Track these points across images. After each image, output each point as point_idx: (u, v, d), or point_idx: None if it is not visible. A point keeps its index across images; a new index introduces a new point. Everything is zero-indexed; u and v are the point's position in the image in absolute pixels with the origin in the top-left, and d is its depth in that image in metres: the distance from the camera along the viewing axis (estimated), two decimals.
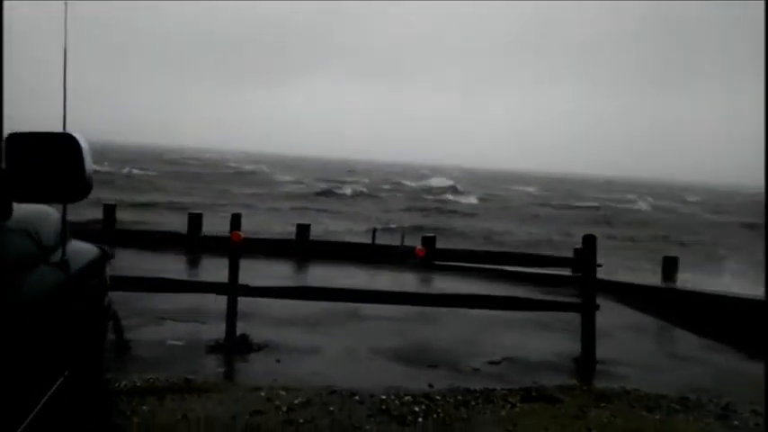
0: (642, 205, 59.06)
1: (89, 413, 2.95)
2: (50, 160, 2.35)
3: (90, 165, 2.41)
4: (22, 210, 2.71)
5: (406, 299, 7.74)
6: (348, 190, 52.58)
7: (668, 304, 10.42)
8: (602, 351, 7.49)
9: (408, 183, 69.15)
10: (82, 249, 3.34)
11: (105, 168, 48.71)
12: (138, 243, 13.35)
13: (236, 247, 6.87)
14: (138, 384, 5.44)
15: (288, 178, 64.17)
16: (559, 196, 66.10)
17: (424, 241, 12.52)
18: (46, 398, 2.34)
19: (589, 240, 7.08)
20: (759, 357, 7.73)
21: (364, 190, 54.66)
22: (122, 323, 6.61)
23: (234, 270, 6.86)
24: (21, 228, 2.54)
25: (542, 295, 10.14)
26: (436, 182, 70.59)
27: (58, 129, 2.60)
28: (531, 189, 76.00)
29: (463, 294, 8.08)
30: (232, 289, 6.81)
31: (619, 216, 46.62)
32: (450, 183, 68.52)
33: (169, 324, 7.56)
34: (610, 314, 10.00)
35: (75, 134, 2.38)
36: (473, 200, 52.77)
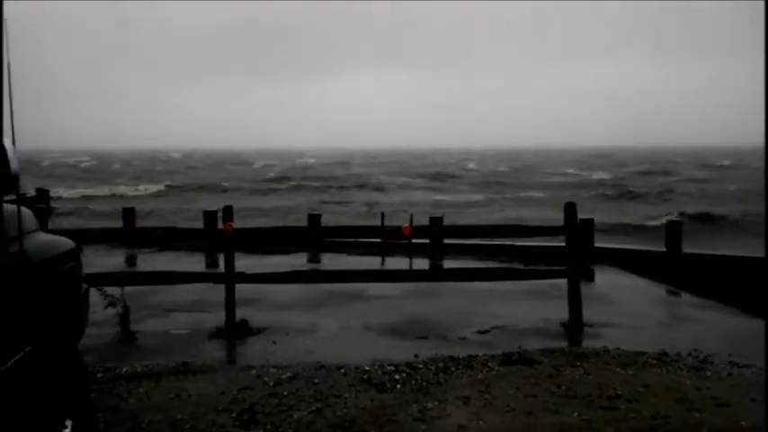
0: None
1: (58, 385, 3.29)
2: None
3: (15, 164, 2.77)
4: None
5: (398, 276, 8.02)
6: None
7: (670, 268, 10.53)
8: (595, 315, 7.71)
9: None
10: (51, 242, 3.69)
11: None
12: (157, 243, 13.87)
13: (229, 238, 7.20)
14: (138, 370, 5.80)
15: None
16: None
17: (432, 221, 12.77)
18: (2, 369, 2.68)
19: (570, 207, 7.26)
20: (758, 313, 7.87)
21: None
22: (130, 316, 7.04)
23: (229, 259, 7.19)
24: None
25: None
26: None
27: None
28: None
29: (450, 269, 8.33)
30: (228, 277, 7.15)
31: None
32: None
33: (175, 315, 7.94)
34: (611, 280, 10.23)
35: (1, 140, 2.74)
36: None
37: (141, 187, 48.63)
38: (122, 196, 43.26)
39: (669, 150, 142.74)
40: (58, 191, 41.91)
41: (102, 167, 76.51)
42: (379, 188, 49.54)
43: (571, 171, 65.61)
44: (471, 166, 76.22)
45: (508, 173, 64.57)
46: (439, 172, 65.50)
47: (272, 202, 39.22)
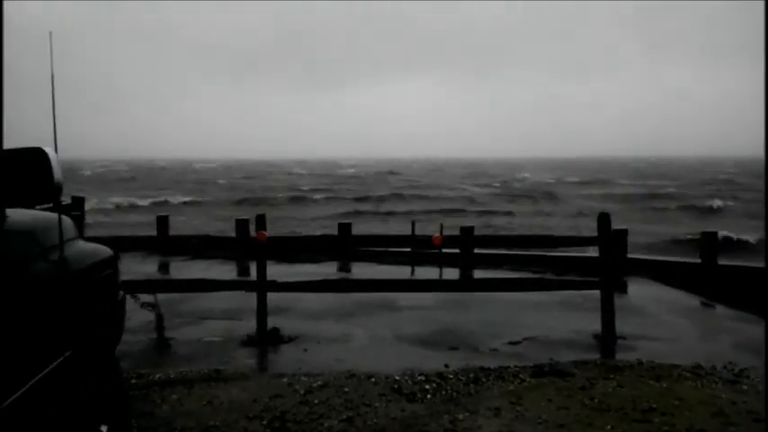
0: None
1: (95, 390, 3.35)
2: (26, 171, 2.77)
3: (59, 173, 2.83)
4: (22, 215, 3.14)
5: (428, 286, 8.01)
6: None
7: (706, 280, 10.38)
8: (628, 327, 7.61)
9: None
10: (89, 250, 3.76)
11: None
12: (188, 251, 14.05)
13: (262, 246, 7.26)
14: (172, 376, 5.88)
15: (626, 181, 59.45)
16: None
17: (463, 231, 12.74)
18: (43, 373, 2.74)
19: (604, 218, 7.20)
20: None
21: None
22: (164, 323, 7.15)
23: (261, 267, 7.25)
24: (17, 230, 2.95)
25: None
26: None
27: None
28: None
29: (481, 278, 8.30)
30: (260, 285, 7.21)
31: None
32: None
33: (207, 323, 8.02)
34: (644, 291, 10.10)
35: (45, 148, 2.80)
36: None
37: (206, 197, 48.71)
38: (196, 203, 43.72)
39: (712, 160, 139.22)
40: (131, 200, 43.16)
41: (149, 177, 76.37)
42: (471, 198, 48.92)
43: (625, 182, 63.74)
44: (526, 175, 74.54)
45: (575, 183, 62.72)
46: (504, 181, 64.34)
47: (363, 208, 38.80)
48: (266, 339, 7.13)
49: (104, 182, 65.46)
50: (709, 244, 11.21)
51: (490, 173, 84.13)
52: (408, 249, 12.60)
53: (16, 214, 3.01)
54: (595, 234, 7.35)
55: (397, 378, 5.71)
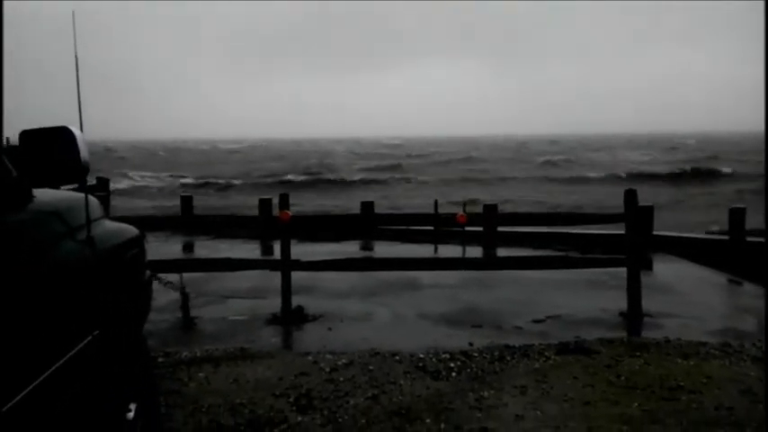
0: None
1: (124, 369, 3.38)
2: (53, 151, 2.77)
3: (85, 153, 2.83)
4: (49, 195, 3.16)
5: (452, 264, 7.99)
6: None
7: (732, 257, 10.25)
8: (654, 305, 7.54)
9: None
10: (116, 229, 3.78)
11: None
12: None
13: (286, 226, 7.28)
14: (198, 355, 5.94)
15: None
16: None
17: (486, 208, 12.69)
18: (72, 352, 2.76)
19: (630, 195, 7.12)
20: None
21: None
22: (189, 303, 7.21)
23: (285, 247, 7.28)
24: (45, 210, 2.97)
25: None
26: None
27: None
28: None
29: (506, 257, 8.26)
30: (284, 264, 7.24)
31: None
32: None
33: (232, 302, 8.08)
34: (670, 269, 10.00)
35: (71, 128, 2.80)
36: None
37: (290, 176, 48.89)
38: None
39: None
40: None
41: (205, 158, 73.80)
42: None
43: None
44: (643, 159, 63.85)
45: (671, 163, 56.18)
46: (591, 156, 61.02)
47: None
48: (291, 318, 7.17)
49: (158, 161, 65.03)
50: (736, 220, 11.04)
51: (546, 150, 79.05)
52: (431, 228, 12.57)
53: (43, 194, 3.03)
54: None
55: (421, 356, 5.72)
